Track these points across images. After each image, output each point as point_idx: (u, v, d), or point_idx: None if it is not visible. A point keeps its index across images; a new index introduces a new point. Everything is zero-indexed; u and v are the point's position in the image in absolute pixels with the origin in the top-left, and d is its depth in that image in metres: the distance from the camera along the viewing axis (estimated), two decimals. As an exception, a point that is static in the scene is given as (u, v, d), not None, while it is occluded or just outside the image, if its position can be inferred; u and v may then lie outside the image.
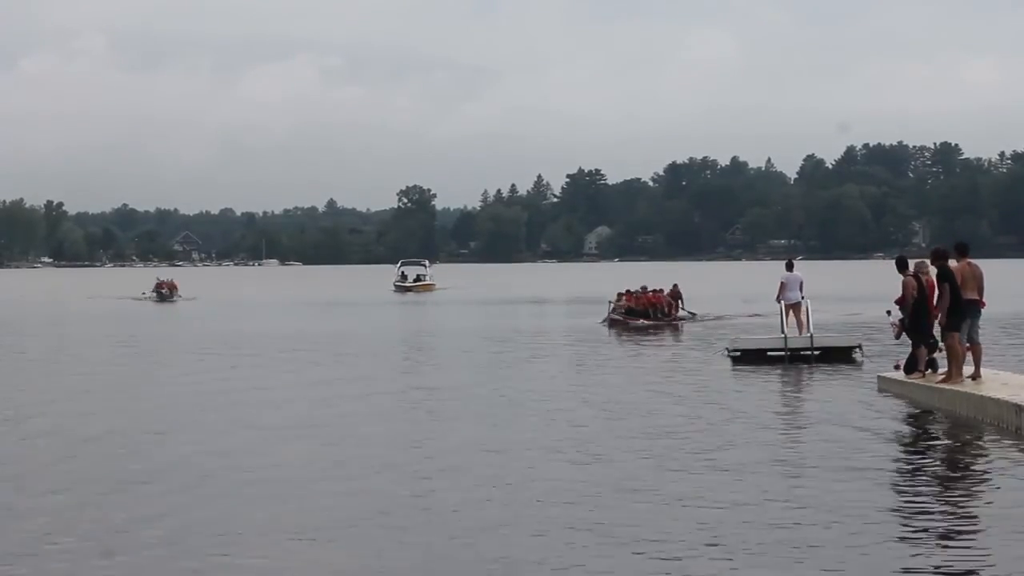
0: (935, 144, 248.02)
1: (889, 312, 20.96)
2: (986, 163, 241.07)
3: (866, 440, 15.08)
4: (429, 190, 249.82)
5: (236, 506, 11.49)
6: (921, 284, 19.30)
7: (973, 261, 18.39)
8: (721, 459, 13.74)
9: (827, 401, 19.33)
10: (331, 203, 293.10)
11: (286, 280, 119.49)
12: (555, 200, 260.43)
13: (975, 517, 10.91)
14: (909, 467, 13.62)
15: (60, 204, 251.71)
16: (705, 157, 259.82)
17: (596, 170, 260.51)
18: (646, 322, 39.30)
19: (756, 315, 41.18)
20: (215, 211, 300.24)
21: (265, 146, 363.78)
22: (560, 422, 17.17)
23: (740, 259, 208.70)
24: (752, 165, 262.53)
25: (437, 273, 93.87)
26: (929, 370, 19.37)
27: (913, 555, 9.48)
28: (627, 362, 27.70)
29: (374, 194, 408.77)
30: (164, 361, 29.15)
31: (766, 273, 54.09)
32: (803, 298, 27.99)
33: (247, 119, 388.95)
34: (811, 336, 26.45)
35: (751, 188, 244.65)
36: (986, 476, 12.88)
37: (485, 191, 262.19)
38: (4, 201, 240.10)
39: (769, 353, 26.45)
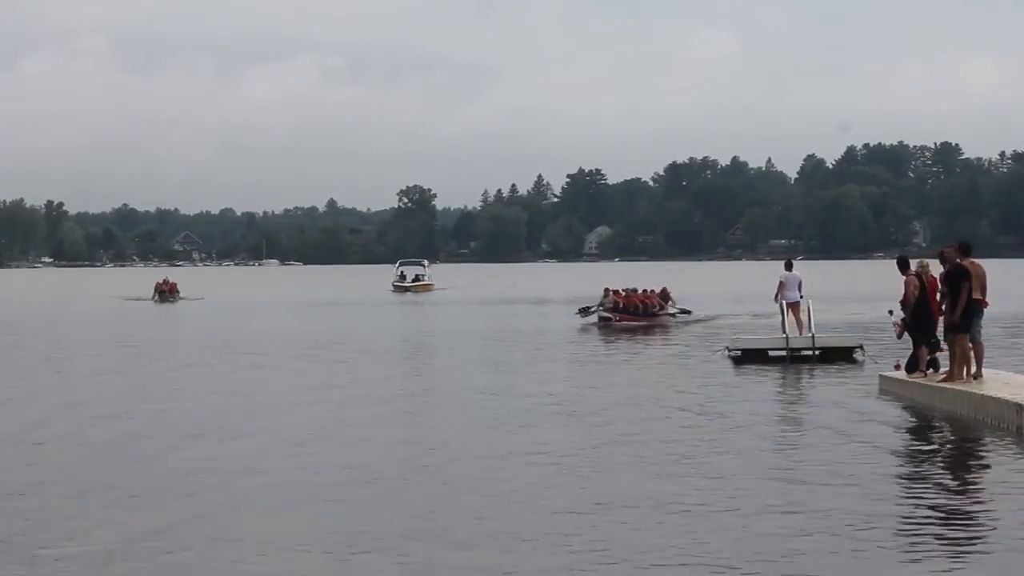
0: (935, 144, 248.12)
1: (891, 312, 20.97)
2: (986, 163, 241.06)
3: (867, 440, 15.07)
4: (429, 190, 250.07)
5: (251, 515, 11.38)
6: (923, 283, 19.30)
7: (976, 261, 18.38)
8: (722, 460, 13.74)
9: (828, 401, 19.32)
10: (331, 203, 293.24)
11: (286, 280, 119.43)
12: (555, 200, 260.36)
13: (976, 517, 10.91)
14: (910, 467, 13.63)
15: (60, 204, 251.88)
16: (705, 157, 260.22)
17: (596, 170, 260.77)
18: (634, 321, 39.10)
19: (756, 315, 41.18)
20: (215, 211, 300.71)
21: (265, 146, 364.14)
22: (560, 423, 17.18)
23: (740, 259, 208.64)
24: (752, 165, 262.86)
25: (436, 273, 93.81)
26: (930, 370, 19.38)
27: (914, 555, 9.49)
28: (626, 362, 27.67)
29: (374, 194, 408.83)
30: (174, 363, 29.02)
31: (764, 273, 54.11)
32: (802, 297, 28.02)
33: (247, 119, 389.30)
34: (812, 336, 26.45)
35: (751, 188, 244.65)
36: (987, 476, 12.88)
37: (485, 191, 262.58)
38: (4, 201, 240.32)
39: (770, 353, 26.47)
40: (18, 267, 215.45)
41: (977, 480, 12.72)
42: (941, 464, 13.75)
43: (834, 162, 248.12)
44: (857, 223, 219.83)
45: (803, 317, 27.36)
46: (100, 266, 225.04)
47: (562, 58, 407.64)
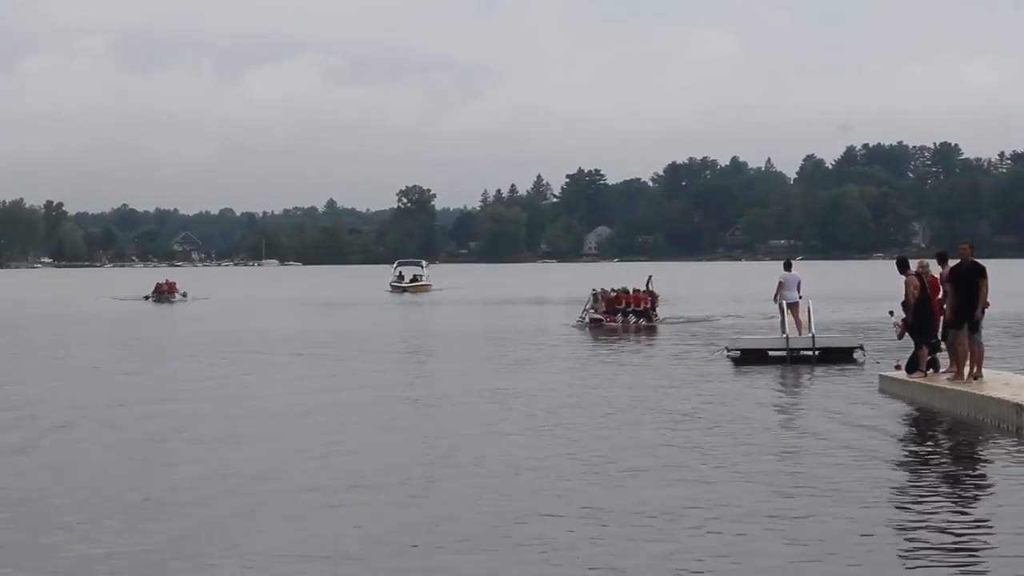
0: (935, 144, 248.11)
1: (892, 312, 20.96)
2: (986, 163, 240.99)
3: (868, 440, 15.07)
4: (429, 190, 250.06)
5: (265, 522, 11.29)
6: (923, 284, 19.28)
7: (978, 260, 18.35)
8: (721, 461, 13.74)
9: (828, 401, 19.33)
10: (331, 203, 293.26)
11: (285, 280, 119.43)
12: (555, 200, 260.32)
13: (977, 517, 10.91)
14: (910, 467, 13.61)
15: (60, 204, 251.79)
16: (705, 157, 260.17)
17: (596, 170, 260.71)
18: (624, 322, 38.88)
19: (740, 316, 41.32)
20: (215, 211, 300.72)
21: (265, 146, 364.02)
22: (558, 425, 17.17)
23: (740, 259, 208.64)
24: (752, 165, 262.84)
25: (435, 273, 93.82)
26: (931, 370, 19.37)
27: (914, 555, 9.48)
28: (624, 363, 27.66)
29: (374, 194, 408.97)
30: (175, 364, 29.01)
31: (763, 273, 54.14)
32: (801, 298, 28.01)
33: (247, 119, 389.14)
34: (812, 336, 26.44)
35: (751, 188, 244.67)
36: (987, 476, 12.88)
37: (485, 191, 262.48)
38: (4, 201, 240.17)
39: (770, 353, 26.45)
40: (17, 267, 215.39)
41: (977, 481, 12.70)
42: (941, 464, 13.73)
43: (834, 162, 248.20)
44: (857, 223, 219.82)
45: (803, 318, 27.35)
46: (100, 266, 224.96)
47: (562, 58, 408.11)
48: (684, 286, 74.54)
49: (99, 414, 18.68)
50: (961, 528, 10.42)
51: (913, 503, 11.42)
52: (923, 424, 16.84)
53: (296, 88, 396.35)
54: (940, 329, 19.10)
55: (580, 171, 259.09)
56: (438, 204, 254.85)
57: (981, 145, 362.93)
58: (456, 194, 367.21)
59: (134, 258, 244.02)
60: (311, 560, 9.66)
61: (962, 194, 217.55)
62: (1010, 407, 15.47)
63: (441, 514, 11.07)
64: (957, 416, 16.82)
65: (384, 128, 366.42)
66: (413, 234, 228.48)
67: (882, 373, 21.07)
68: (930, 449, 14.87)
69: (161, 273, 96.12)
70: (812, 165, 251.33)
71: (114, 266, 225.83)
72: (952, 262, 19.09)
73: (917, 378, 19.11)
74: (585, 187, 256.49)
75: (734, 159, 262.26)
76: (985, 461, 13.78)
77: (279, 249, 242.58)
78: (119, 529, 10.71)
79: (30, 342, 37.78)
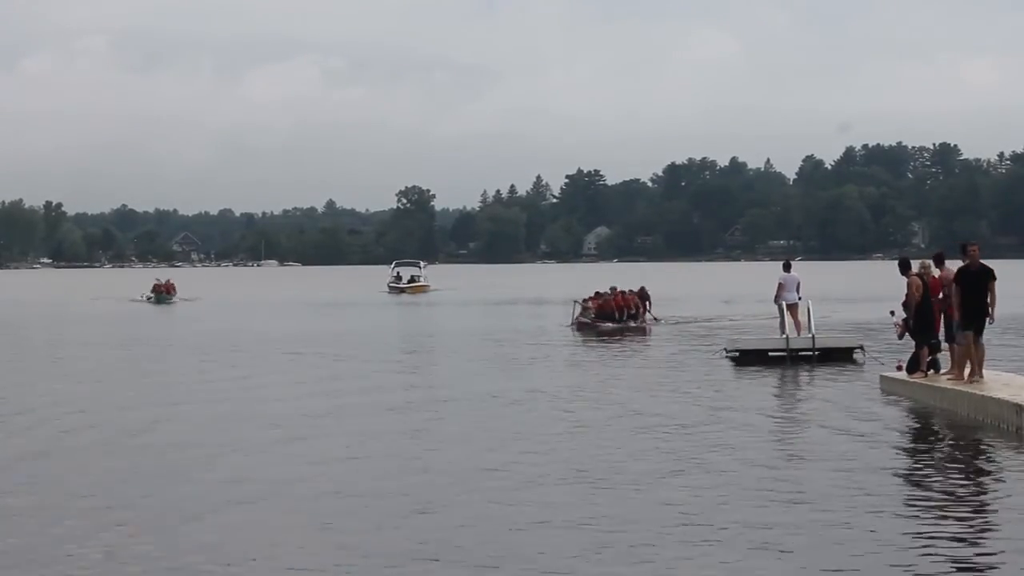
0: (934, 145, 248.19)
1: (893, 312, 20.96)
2: (985, 164, 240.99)
3: (867, 440, 15.07)
4: (428, 190, 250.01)
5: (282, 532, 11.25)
6: (925, 284, 19.27)
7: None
8: (721, 461, 13.73)
9: (829, 401, 19.32)
10: (330, 203, 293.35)
11: (284, 281, 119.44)
12: (554, 201, 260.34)
13: (977, 517, 10.88)
14: (910, 468, 13.60)
15: (59, 205, 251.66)
16: (704, 158, 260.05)
17: (595, 171, 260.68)
18: (613, 325, 38.40)
19: (734, 317, 41.32)
20: (214, 212, 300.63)
21: (265, 146, 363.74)
22: (561, 426, 17.15)
23: (739, 260, 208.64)
24: (751, 166, 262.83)
25: (434, 274, 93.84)
26: (931, 370, 19.36)
27: (914, 556, 9.46)
28: (623, 364, 27.65)
29: (373, 194, 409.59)
30: (176, 365, 28.99)
31: (762, 274, 54.15)
32: (800, 298, 28.00)
33: (247, 119, 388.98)
34: (812, 336, 26.43)
35: (750, 189, 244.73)
36: (987, 476, 12.86)
37: (484, 192, 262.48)
38: (3, 201, 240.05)
39: (770, 354, 26.44)
40: (17, 268, 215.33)
41: (976, 481, 12.67)
42: (940, 465, 13.70)
43: (833, 163, 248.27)
44: (856, 224, 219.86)
45: (802, 318, 27.35)
46: (99, 267, 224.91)
47: (562, 58, 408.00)
48: (683, 287, 74.62)
49: (100, 414, 18.68)
50: (961, 528, 10.39)
51: (912, 504, 11.39)
52: (923, 424, 16.83)
53: (296, 88, 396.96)
54: (941, 329, 19.11)
55: (579, 171, 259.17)
56: (437, 204, 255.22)
57: (980, 145, 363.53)
58: (456, 194, 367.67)
59: (133, 259, 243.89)
60: (311, 572, 9.55)
61: (961, 194, 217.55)
62: (1010, 407, 15.45)
63: (441, 524, 11.01)
64: (957, 416, 16.81)
65: (384, 128, 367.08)
66: (412, 234, 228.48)
67: (883, 373, 21.06)
68: (929, 449, 14.85)
69: (160, 273, 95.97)
70: (811, 165, 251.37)
71: (113, 267, 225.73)
72: (950, 263, 19.09)
73: (918, 378, 19.10)
74: (584, 187, 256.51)
75: (733, 159, 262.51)
76: (985, 461, 13.75)
77: (278, 249, 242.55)
78: (120, 530, 10.68)
79: (29, 343, 37.76)
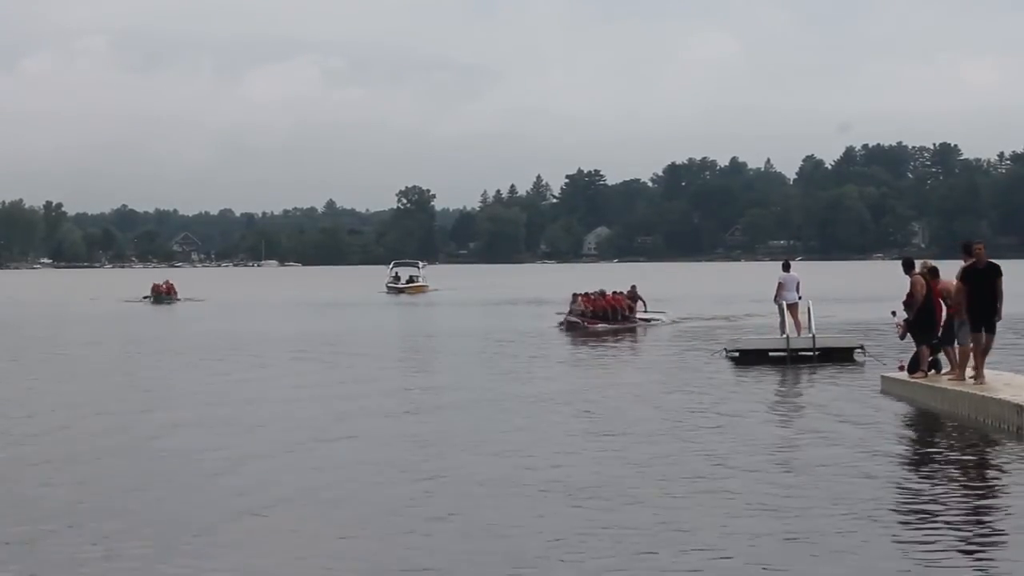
0: (934, 145, 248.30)
1: (894, 312, 20.93)
2: (985, 164, 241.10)
3: (867, 440, 15.04)
4: (428, 191, 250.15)
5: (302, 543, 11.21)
6: (929, 283, 19.22)
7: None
8: (721, 461, 13.70)
9: (829, 402, 19.28)
10: (330, 204, 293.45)
11: (284, 281, 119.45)
12: (554, 201, 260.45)
13: (977, 517, 10.86)
14: (910, 468, 13.57)
15: (59, 205, 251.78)
16: (704, 158, 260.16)
17: (595, 171, 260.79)
18: (605, 326, 38.30)
19: (731, 317, 41.26)
20: (214, 212, 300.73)
21: (265, 146, 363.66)
22: (557, 427, 17.13)
23: (739, 260, 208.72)
24: (751, 166, 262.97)
25: (434, 274, 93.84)
26: (932, 371, 19.32)
27: (914, 556, 9.43)
28: (623, 365, 27.63)
29: (373, 194, 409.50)
30: (178, 366, 28.91)
31: (761, 274, 54.11)
32: (800, 298, 27.98)
33: (247, 119, 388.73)
34: (812, 336, 26.41)
35: (750, 189, 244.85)
36: (988, 476, 12.84)
37: (484, 192, 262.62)
38: (3, 202, 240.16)
39: (771, 354, 26.41)
40: (17, 268, 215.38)
41: (977, 481, 12.65)
42: (940, 465, 13.67)
43: (833, 163, 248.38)
44: (856, 224, 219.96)
45: (802, 318, 27.33)
46: (99, 267, 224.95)
47: (562, 58, 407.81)
48: (682, 287, 74.62)
49: (98, 415, 18.65)
50: (961, 528, 10.36)
51: (913, 504, 11.36)
52: (923, 424, 16.81)
53: (296, 88, 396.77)
54: (942, 329, 19.06)
55: (580, 171, 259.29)
56: (437, 204, 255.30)
57: (981, 145, 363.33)
58: (456, 194, 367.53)
59: (134, 259, 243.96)
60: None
61: (961, 194, 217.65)
62: (1011, 407, 15.43)
63: (440, 530, 10.97)
64: (958, 417, 16.78)
65: (384, 128, 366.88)
66: (412, 234, 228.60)
67: (884, 373, 21.04)
68: (930, 450, 14.82)
69: (160, 274, 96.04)
70: (812, 165, 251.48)
71: (114, 267, 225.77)
72: (950, 263, 19.02)
73: (918, 378, 19.07)
74: (584, 187, 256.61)
75: (733, 159, 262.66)
76: (985, 461, 13.72)
77: (278, 250, 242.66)
78: (117, 533, 10.65)
79: (28, 343, 37.71)
